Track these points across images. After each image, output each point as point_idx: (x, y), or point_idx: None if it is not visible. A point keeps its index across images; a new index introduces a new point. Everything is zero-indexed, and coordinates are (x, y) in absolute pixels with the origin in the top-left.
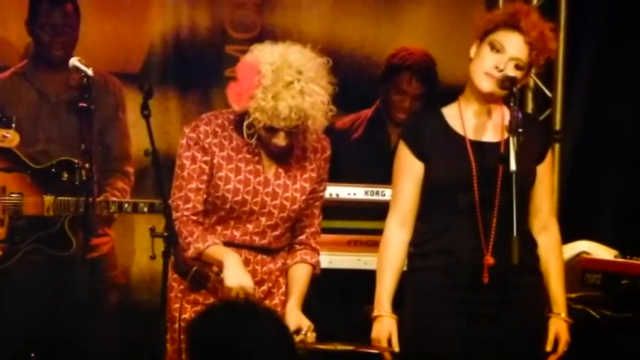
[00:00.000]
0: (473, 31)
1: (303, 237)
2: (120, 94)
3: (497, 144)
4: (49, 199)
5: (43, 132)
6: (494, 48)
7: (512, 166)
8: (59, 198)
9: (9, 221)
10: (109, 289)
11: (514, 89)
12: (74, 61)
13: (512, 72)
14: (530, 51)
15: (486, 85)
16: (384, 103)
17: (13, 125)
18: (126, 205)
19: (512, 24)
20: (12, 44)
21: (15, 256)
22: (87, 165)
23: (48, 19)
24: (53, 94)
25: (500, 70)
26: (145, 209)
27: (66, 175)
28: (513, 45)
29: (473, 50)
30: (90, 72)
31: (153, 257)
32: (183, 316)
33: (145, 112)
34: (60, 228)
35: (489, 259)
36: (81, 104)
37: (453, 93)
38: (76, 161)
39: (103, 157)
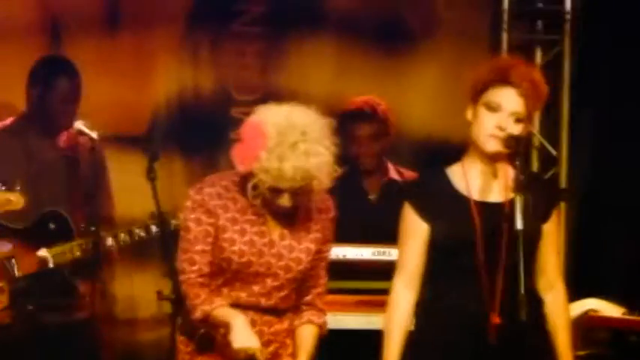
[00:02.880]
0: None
1: (309, 297)
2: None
3: (502, 204)
4: (42, 253)
5: (31, 191)
6: (491, 108)
7: (519, 225)
8: (53, 248)
9: (8, 286)
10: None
11: (519, 148)
12: (79, 125)
13: (514, 128)
14: (525, 102)
15: (492, 145)
16: (348, 157)
17: (18, 188)
18: (122, 235)
19: (502, 79)
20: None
21: (22, 317)
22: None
23: (56, 88)
24: (42, 154)
25: (503, 129)
26: (142, 233)
27: (52, 225)
28: (509, 101)
29: (469, 113)
30: (95, 135)
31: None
32: None
33: (151, 175)
34: (61, 278)
35: (496, 319)
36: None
37: (461, 152)
38: (60, 211)
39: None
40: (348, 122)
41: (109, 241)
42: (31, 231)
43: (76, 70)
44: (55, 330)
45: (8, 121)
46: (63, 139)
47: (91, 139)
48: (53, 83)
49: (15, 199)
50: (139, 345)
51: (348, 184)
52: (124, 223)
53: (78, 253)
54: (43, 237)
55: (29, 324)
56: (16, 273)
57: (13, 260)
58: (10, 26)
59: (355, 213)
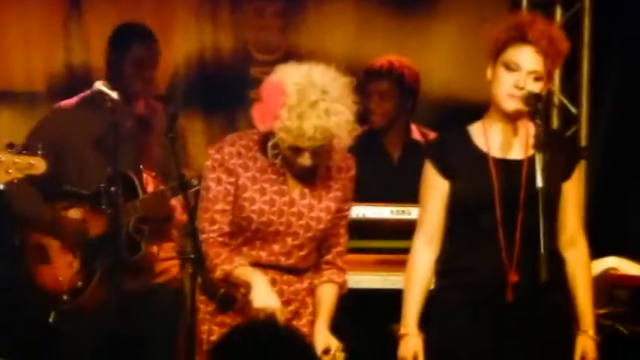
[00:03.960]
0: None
1: (329, 256)
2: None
3: (522, 161)
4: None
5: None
6: (510, 68)
7: (539, 182)
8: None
9: (80, 251)
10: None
11: (539, 105)
12: (99, 85)
13: (533, 86)
14: (545, 59)
15: (511, 105)
16: (373, 114)
17: (39, 152)
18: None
19: (520, 37)
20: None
21: (94, 276)
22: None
23: (131, 54)
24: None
25: (522, 88)
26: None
27: (121, 187)
28: (527, 59)
29: (489, 72)
30: (115, 96)
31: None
32: (212, 337)
33: (171, 134)
34: (126, 234)
35: (513, 277)
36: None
37: (482, 111)
38: (126, 172)
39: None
40: (366, 80)
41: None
42: (99, 195)
43: (153, 36)
44: (130, 294)
45: (89, 92)
46: (140, 105)
47: (112, 99)
48: (128, 49)
49: (37, 163)
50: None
51: (370, 143)
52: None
53: (140, 212)
54: (110, 199)
55: (101, 287)
56: (88, 235)
57: (85, 225)
58: None
59: (377, 173)
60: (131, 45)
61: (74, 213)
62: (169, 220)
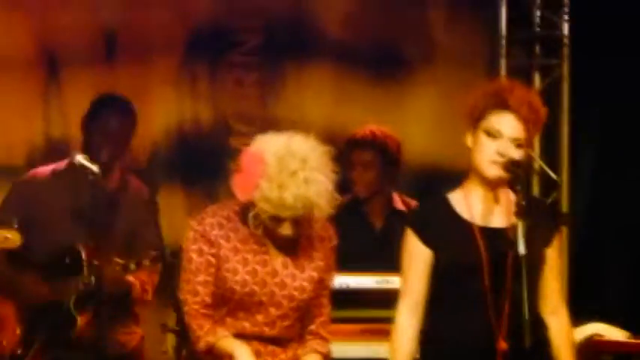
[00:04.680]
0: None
1: (313, 326)
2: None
3: (505, 229)
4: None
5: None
6: (491, 134)
7: (521, 250)
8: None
9: (25, 318)
10: None
11: (520, 172)
12: (80, 159)
13: (514, 153)
14: (525, 126)
15: (493, 172)
16: (356, 184)
17: (15, 226)
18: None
19: (500, 104)
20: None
21: (32, 346)
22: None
23: (103, 127)
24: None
25: (504, 155)
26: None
27: (67, 260)
28: (508, 127)
29: (469, 139)
30: (95, 169)
31: (165, 352)
32: None
33: (151, 207)
34: (66, 307)
35: (502, 344)
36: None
37: (461, 178)
38: (75, 245)
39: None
40: (348, 150)
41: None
42: (49, 265)
43: (129, 107)
44: None
45: (63, 163)
46: (114, 177)
47: (92, 172)
48: (101, 120)
49: (12, 237)
50: None
51: (352, 212)
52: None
53: (81, 287)
54: (58, 270)
55: (39, 358)
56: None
57: (35, 292)
58: (7, 60)
59: (359, 243)
60: (105, 116)
61: (29, 278)
62: (127, 296)
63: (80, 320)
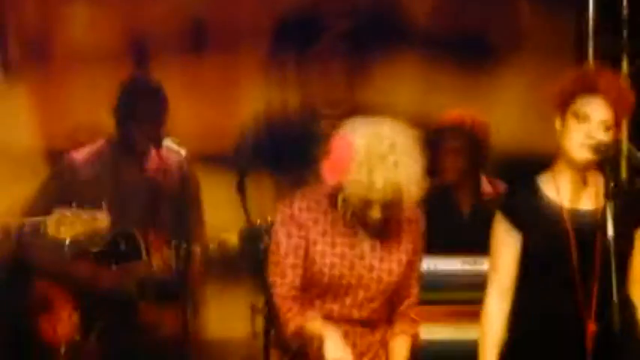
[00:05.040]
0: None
1: (401, 308)
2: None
3: (594, 211)
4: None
5: (117, 213)
6: (580, 118)
7: (610, 232)
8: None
9: (82, 305)
10: None
11: (609, 155)
12: (168, 142)
13: (603, 136)
14: (613, 110)
15: (582, 154)
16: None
17: (104, 207)
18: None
19: (589, 88)
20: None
21: (92, 332)
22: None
23: (139, 108)
24: (129, 176)
25: (593, 139)
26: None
27: (123, 246)
28: (598, 110)
29: (558, 123)
30: (183, 152)
31: (254, 334)
32: None
33: (241, 189)
34: (128, 295)
35: (592, 326)
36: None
37: (549, 162)
38: (130, 230)
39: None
40: (439, 135)
41: (197, 252)
42: (105, 252)
43: (161, 91)
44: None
45: (99, 143)
46: (151, 161)
47: (180, 156)
48: (137, 106)
49: (101, 218)
50: None
51: (440, 198)
52: (212, 241)
53: (142, 272)
54: (115, 257)
55: (101, 343)
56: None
57: (92, 279)
58: (97, 50)
59: (447, 228)
60: (141, 101)
61: (83, 266)
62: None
63: (142, 306)
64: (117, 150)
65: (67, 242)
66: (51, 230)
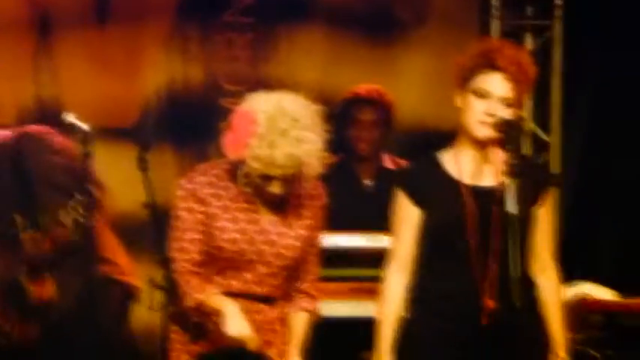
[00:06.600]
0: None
1: (301, 284)
2: None
3: (494, 188)
4: None
5: None
6: (480, 95)
7: (510, 209)
8: None
9: None
10: None
11: (510, 132)
12: (70, 118)
13: (504, 113)
14: (514, 86)
15: (482, 132)
16: (345, 142)
17: None
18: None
19: (489, 64)
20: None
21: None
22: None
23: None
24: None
25: (493, 115)
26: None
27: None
28: (497, 86)
29: (458, 100)
30: (86, 128)
31: (152, 308)
32: None
33: (143, 165)
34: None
35: (490, 303)
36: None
37: (452, 138)
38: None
39: None
40: (352, 107)
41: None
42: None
43: None
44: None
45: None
46: None
47: (83, 131)
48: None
49: None
50: (130, 335)
51: (343, 171)
52: (115, 215)
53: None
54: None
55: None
56: None
57: None
58: (0, 22)
59: (349, 200)
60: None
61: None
62: None
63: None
64: None
65: None
66: None
